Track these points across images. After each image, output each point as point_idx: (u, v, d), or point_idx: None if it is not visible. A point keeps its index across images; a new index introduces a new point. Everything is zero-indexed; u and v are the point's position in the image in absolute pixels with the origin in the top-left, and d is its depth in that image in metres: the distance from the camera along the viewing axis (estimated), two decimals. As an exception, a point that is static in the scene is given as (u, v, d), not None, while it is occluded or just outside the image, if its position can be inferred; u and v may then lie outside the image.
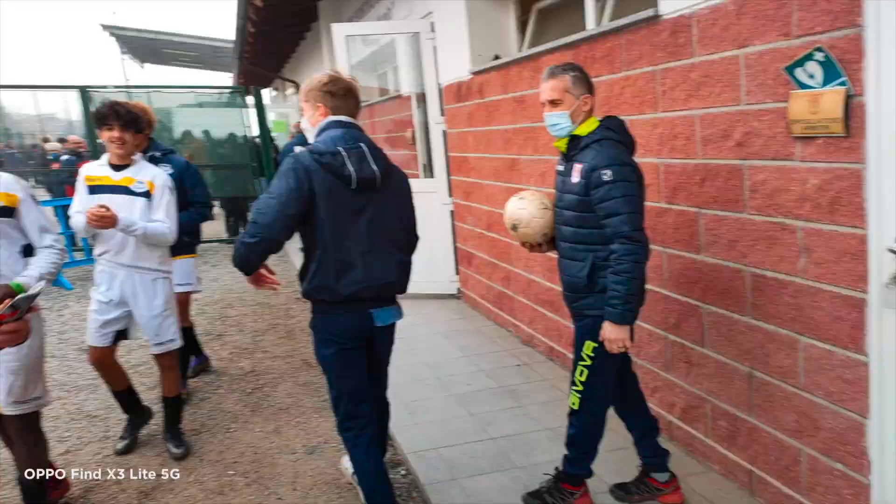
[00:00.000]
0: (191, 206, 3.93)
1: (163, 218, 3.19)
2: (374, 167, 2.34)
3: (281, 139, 13.29)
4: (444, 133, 5.81)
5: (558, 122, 2.43)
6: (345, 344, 2.40)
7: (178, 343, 3.44)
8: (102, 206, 2.94)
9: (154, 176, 3.23)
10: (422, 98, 6.19)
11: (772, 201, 2.43)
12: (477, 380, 4.15)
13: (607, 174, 2.26)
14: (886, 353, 2.02)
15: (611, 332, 2.31)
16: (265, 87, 18.79)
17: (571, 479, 2.63)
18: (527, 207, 2.60)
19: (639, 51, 3.06)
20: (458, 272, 6.04)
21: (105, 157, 3.22)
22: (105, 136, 3.08)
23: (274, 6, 8.49)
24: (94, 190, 3.15)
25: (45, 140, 14.84)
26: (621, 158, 2.32)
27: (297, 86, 14.50)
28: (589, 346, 2.43)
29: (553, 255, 2.72)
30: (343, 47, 5.69)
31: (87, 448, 3.58)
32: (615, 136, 2.39)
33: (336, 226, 2.30)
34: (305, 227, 2.34)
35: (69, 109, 19.64)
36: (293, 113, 16.73)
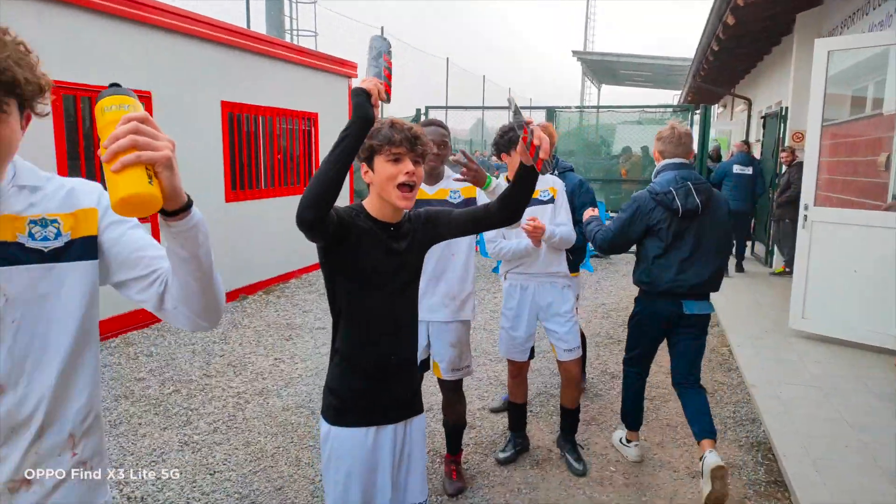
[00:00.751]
0: (576, 224, 3.89)
1: (564, 220, 3.20)
2: (697, 200, 3.04)
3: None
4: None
5: None
6: (652, 323, 3.24)
7: (580, 351, 3.32)
8: (532, 219, 2.99)
9: (554, 182, 3.26)
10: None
11: None
12: None
13: None
14: None
15: None
16: (713, 103, 18.17)
17: None
18: None
19: None
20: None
21: (503, 177, 3.30)
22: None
23: (746, 23, 8.13)
24: None
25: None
26: None
27: (748, 103, 13.60)
28: None
29: None
30: (823, 64, 5.11)
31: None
32: None
33: (662, 242, 3.10)
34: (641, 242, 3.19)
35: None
36: (736, 130, 15.80)
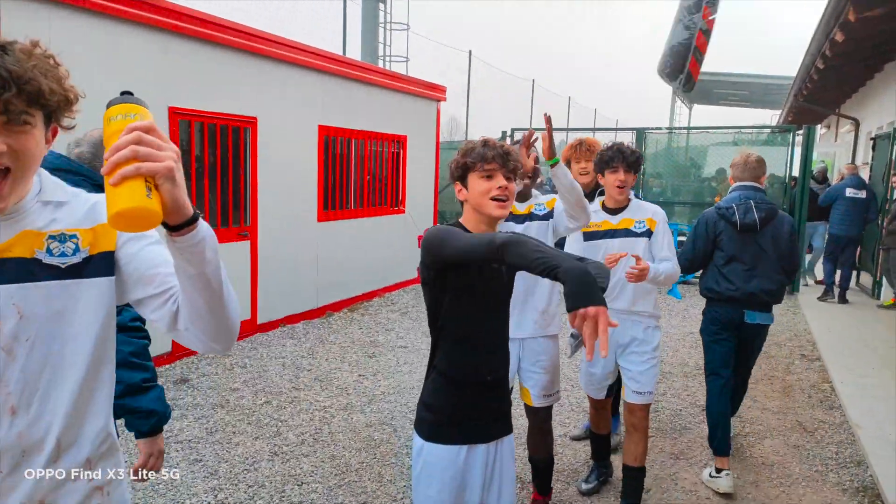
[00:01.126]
0: None
1: (668, 255, 2.93)
2: (755, 216, 3.32)
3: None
4: None
5: None
6: (719, 329, 3.43)
7: (652, 397, 3.02)
8: (635, 256, 2.75)
9: (654, 213, 2.98)
10: None
11: None
12: None
13: None
14: None
15: None
16: (816, 124, 17.24)
17: None
18: None
19: None
20: None
21: (597, 202, 3.07)
22: (610, 179, 2.91)
23: (857, 40, 7.70)
24: (590, 236, 2.99)
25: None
26: None
27: (856, 123, 12.81)
28: None
29: None
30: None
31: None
32: None
33: (724, 253, 3.41)
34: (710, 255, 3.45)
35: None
36: (841, 152, 14.87)
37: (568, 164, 3.55)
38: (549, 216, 2.79)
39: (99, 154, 2.03)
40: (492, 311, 1.89)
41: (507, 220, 2.76)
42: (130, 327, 1.88)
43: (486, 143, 1.88)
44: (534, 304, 2.82)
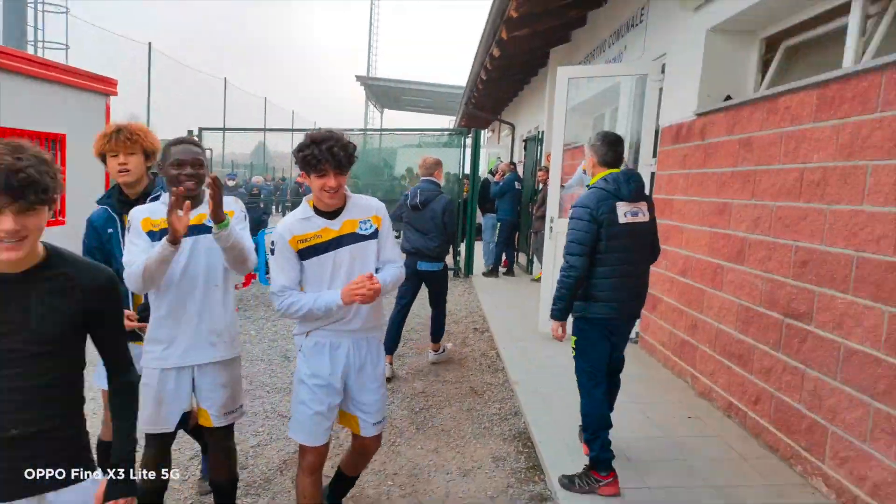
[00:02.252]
0: None
1: (392, 257, 2.59)
2: (418, 199, 5.26)
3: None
4: (653, 175, 5.57)
5: None
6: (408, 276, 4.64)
7: (385, 423, 2.80)
8: (369, 278, 2.35)
9: (377, 208, 2.58)
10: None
11: None
12: (643, 428, 3.88)
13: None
14: None
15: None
16: (483, 128, 19.72)
17: (597, 466, 3.09)
18: None
19: (901, 90, 2.74)
20: (639, 316, 5.67)
21: (305, 208, 2.50)
22: (318, 184, 2.36)
23: (510, 55, 8.97)
24: (312, 252, 2.45)
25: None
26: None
27: (512, 127, 15.00)
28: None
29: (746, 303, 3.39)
30: (564, 90, 5.76)
31: (273, 444, 3.85)
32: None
33: (408, 222, 5.46)
34: None
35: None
36: (503, 153, 17.32)
37: (104, 158, 2.72)
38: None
39: None
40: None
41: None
42: None
43: None
44: (209, 327, 2.48)
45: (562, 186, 5.95)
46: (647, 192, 3.46)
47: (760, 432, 3.65)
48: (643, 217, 3.15)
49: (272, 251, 2.55)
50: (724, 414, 4.08)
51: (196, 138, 2.80)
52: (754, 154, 3.89)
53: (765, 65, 4.57)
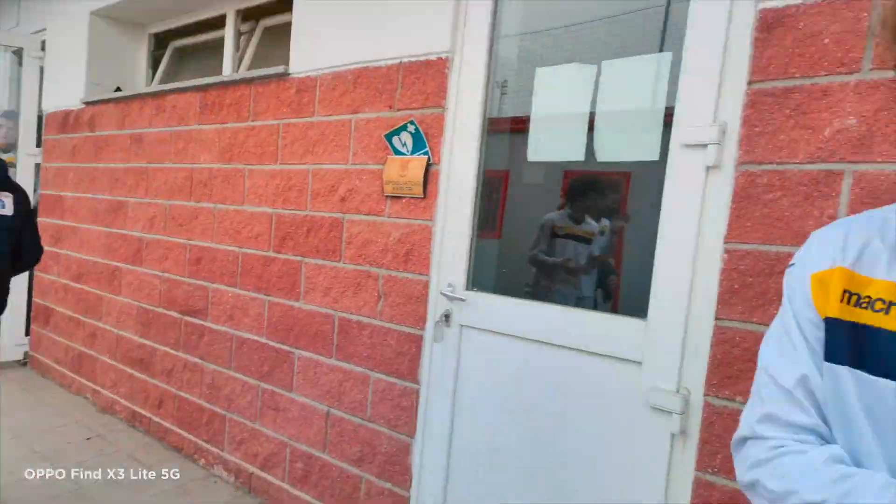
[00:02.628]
0: None
1: None
2: None
3: None
4: (38, 167, 4.83)
5: None
6: None
7: None
8: None
9: None
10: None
11: (362, 251, 2.61)
12: (30, 463, 3.24)
13: None
14: (433, 379, 2.39)
15: None
16: None
17: None
18: None
19: (266, 103, 3.09)
20: (27, 333, 4.94)
21: None
22: None
23: None
24: None
25: None
26: None
27: None
28: None
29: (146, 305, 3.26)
30: None
31: None
32: None
33: None
34: None
35: None
36: None
37: None
38: None
39: None
40: None
41: None
42: None
43: None
44: None
45: None
46: (20, 183, 2.93)
47: (165, 435, 3.61)
48: (5, 210, 2.63)
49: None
50: (128, 425, 3.86)
51: None
52: (146, 151, 3.79)
53: (156, 61, 4.51)
